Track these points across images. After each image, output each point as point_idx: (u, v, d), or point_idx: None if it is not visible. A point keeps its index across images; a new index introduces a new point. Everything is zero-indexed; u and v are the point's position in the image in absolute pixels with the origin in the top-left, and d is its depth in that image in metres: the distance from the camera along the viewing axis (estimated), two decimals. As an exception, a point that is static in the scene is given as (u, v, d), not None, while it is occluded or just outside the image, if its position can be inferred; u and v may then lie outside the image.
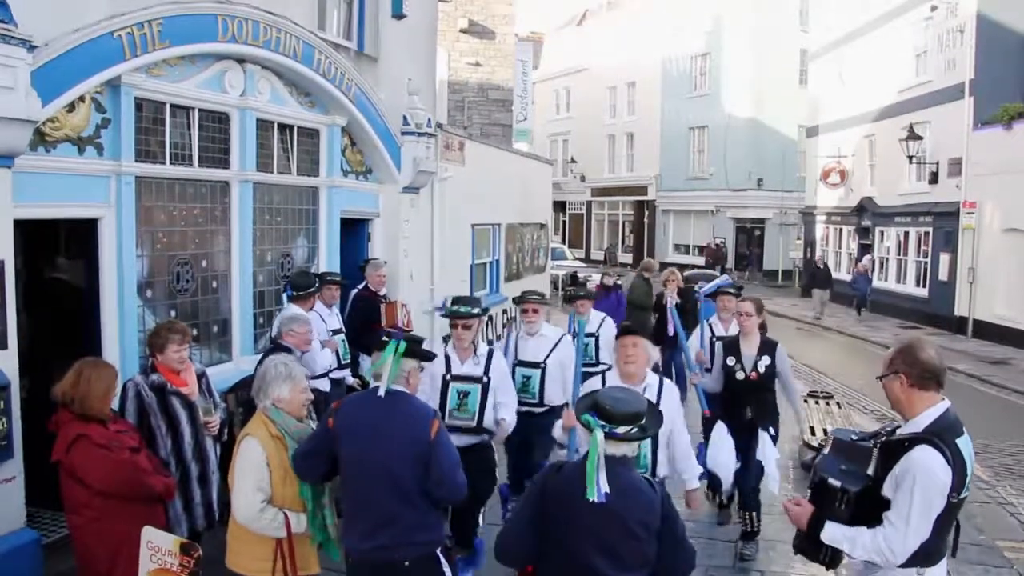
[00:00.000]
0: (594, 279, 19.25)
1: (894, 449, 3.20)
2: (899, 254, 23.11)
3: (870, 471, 3.28)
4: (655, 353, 4.81)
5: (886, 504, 3.16)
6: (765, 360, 6.30)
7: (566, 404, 6.45)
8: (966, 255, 19.30)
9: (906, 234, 22.62)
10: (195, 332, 7.01)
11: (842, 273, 25.58)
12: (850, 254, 26.30)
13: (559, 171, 41.20)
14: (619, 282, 12.45)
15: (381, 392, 3.75)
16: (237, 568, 3.88)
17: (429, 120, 10.61)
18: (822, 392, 11.21)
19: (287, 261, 8.59)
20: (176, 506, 4.73)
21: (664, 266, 12.67)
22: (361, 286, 8.69)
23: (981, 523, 7.26)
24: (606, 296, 11.47)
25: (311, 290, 7.09)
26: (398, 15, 10.35)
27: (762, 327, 6.69)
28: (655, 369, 4.92)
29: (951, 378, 12.29)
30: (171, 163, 6.89)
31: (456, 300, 5.80)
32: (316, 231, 9.08)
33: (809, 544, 3.35)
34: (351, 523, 3.78)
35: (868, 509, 3.21)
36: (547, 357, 6.51)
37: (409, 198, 10.69)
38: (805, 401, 10.21)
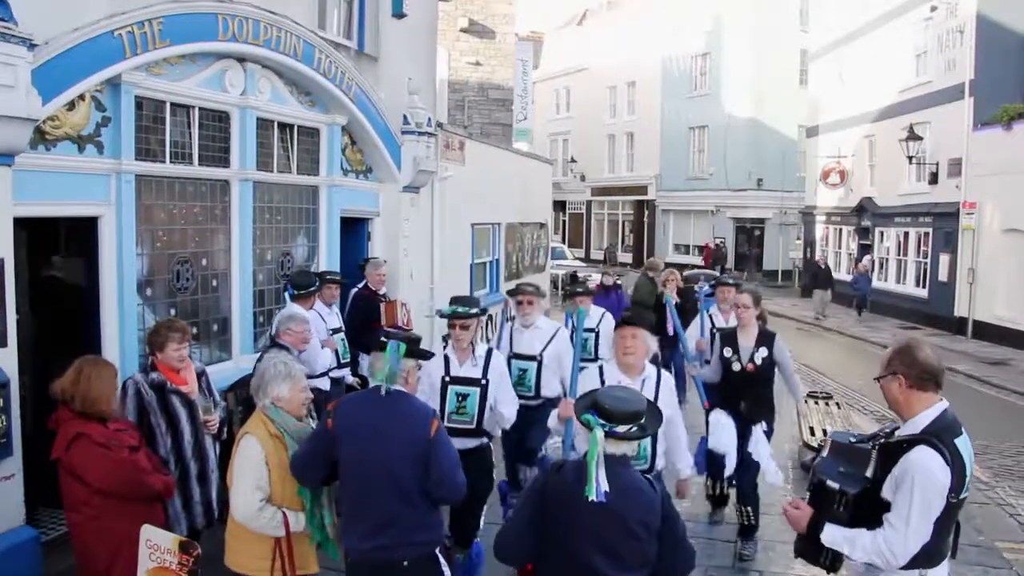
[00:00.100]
0: (594, 278, 19.23)
1: (893, 451, 3.20)
2: (899, 254, 23.12)
3: (868, 473, 3.28)
4: (654, 344, 4.75)
5: (886, 506, 3.16)
6: (762, 352, 6.29)
7: (563, 394, 6.47)
8: (966, 255, 19.30)
9: (906, 234, 22.63)
10: (195, 330, 7.00)
11: (842, 273, 25.58)
12: (850, 254, 26.30)
13: (559, 171, 41.21)
14: (619, 282, 12.44)
15: (384, 392, 3.75)
16: (236, 567, 3.88)
17: (429, 119, 10.61)
18: (822, 392, 11.20)
19: (287, 260, 8.59)
20: (175, 504, 4.74)
21: (665, 266, 12.68)
22: (361, 285, 8.69)
23: (980, 524, 7.26)
24: (606, 296, 11.45)
25: (312, 289, 7.09)
26: (398, 14, 10.35)
27: (762, 318, 6.67)
28: (653, 361, 4.89)
29: (951, 379, 12.30)
30: (171, 162, 6.88)
31: (454, 300, 5.73)
32: (316, 230, 9.08)
33: (809, 547, 3.35)
34: (351, 523, 3.77)
35: (867, 511, 3.21)
36: (543, 350, 6.46)
37: (409, 197, 10.69)
38: (805, 402, 10.21)
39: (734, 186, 35.40)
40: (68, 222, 6.40)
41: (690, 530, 3.84)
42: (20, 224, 5.64)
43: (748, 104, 34.84)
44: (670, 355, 10.11)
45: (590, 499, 3.00)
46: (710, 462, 6.46)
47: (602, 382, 4.59)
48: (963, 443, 3.17)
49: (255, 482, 3.76)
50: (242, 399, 6.04)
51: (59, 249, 6.85)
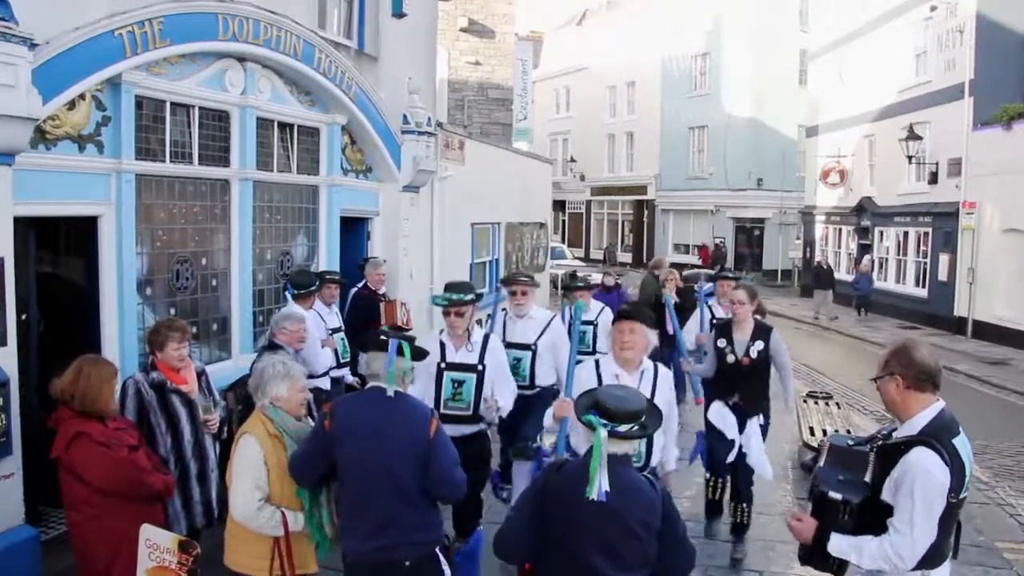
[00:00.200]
0: (594, 278, 19.24)
1: (891, 453, 3.20)
2: (898, 254, 23.12)
3: (867, 477, 3.27)
4: (654, 338, 4.62)
5: (887, 508, 3.16)
6: (758, 345, 6.22)
7: (557, 390, 6.43)
8: (965, 255, 19.30)
9: (905, 234, 22.63)
10: (195, 330, 6.99)
11: (841, 273, 25.58)
12: (849, 254, 26.31)
13: (559, 170, 41.20)
14: (620, 281, 12.45)
15: (390, 392, 3.75)
16: (235, 566, 3.88)
17: (429, 119, 10.62)
18: (821, 392, 11.20)
19: (287, 259, 8.60)
20: (175, 504, 4.74)
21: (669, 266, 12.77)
22: (360, 285, 8.69)
23: (980, 524, 7.26)
24: (606, 296, 11.45)
25: (312, 288, 7.09)
26: (398, 14, 10.36)
27: (760, 312, 6.64)
28: (653, 356, 4.80)
29: (951, 379, 12.29)
30: (171, 161, 6.89)
31: (448, 287, 5.60)
32: (316, 229, 9.09)
33: (817, 556, 3.34)
34: (350, 524, 3.76)
35: (870, 516, 3.21)
36: (538, 339, 6.35)
37: (409, 197, 10.69)
38: (804, 401, 10.21)
39: (734, 186, 35.41)
40: (68, 221, 6.40)
41: (690, 530, 3.84)
42: (28, 223, 5.67)
43: (748, 104, 34.85)
44: (669, 354, 10.11)
45: (591, 499, 3.00)
46: (710, 456, 6.41)
47: (598, 376, 4.52)
48: (961, 443, 3.17)
49: (254, 482, 3.76)
50: (242, 398, 6.04)
51: (59, 248, 6.85)
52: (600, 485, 2.99)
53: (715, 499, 6.65)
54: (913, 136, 20.52)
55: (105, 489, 4.08)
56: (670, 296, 8.27)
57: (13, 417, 5.09)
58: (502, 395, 5.46)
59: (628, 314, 4.55)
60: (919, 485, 3.04)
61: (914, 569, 3.13)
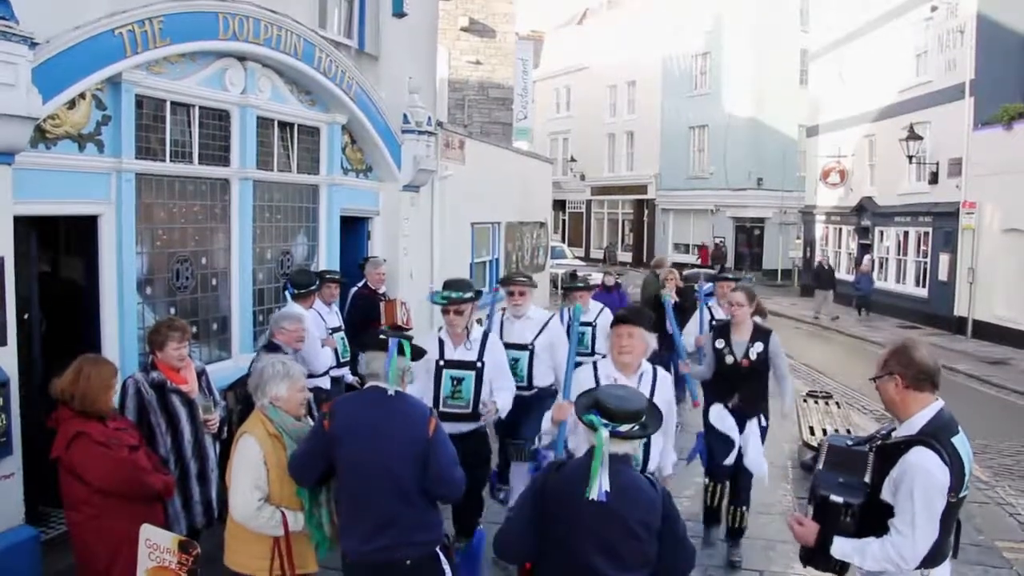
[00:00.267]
0: (594, 278, 19.24)
1: (890, 452, 3.20)
2: (899, 254, 23.12)
3: (867, 478, 3.27)
4: (653, 342, 4.56)
5: (887, 508, 3.16)
6: (758, 347, 6.16)
7: (555, 391, 6.39)
8: (966, 255, 19.30)
9: (906, 234, 22.63)
10: (195, 329, 7.00)
11: (841, 273, 25.58)
12: (849, 254, 26.31)
13: (559, 170, 41.19)
14: (620, 281, 12.45)
15: (391, 392, 3.75)
16: (235, 566, 3.88)
17: (429, 118, 10.62)
18: (821, 392, 11.20)
19: (287, 259, 8.60)
20: (175, 504, 4.74)
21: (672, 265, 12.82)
22: (360, 284, 8.69)
23: (980, 523, 7.26)
24: (607, 297, 11.44)
25: (312, 288, 7.09)
26: (399, 13, 10.35)
27: (759, 312, 6.59)
28: (652, 359, 4.76)
29: (951, 378, 12.29)
30: (171, 160, 6.89)
31: (447, 284, 5.55)
32: (316, 229, 9.09)
33: (819, 557, 3.34)
34: (350, 524, 3.75)
35: (872, 516, 3.21)
36: (535, 339, 6.27)
37: (409, 196, 10.69)
38: (804, 401, 10.21)
39: (734, 185, 35.41)
40: (68, 221, 6.39)
41: (690, 529, 3.84)
42: (29, 223, 5.67)
43: (748, 103, 34.85)
44: (668, 356, 10.08)
45: (591, 499, 3.00)
46: (710, 460, 6.33)
47: (596, 380, 4.49)
48: (960, 442, 3.17)
49: (253, 481, 3.76)
50: (241, 398, 6.04)
51: (59, 248, 6.85)
52: (601, 486, 2.99)
53: (714, 506, 6.52)
54: (913, 136, 20.52)
55: (105, 489, 4.08)
56: (668, 297, 8.21)
57: (13, 417, 5.09)
58: (501, 393, 5.44)
59: (626, 318, 4.49)
60: (919, 485, 3.04)
61: (915, 568, 3.13)
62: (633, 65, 40.04)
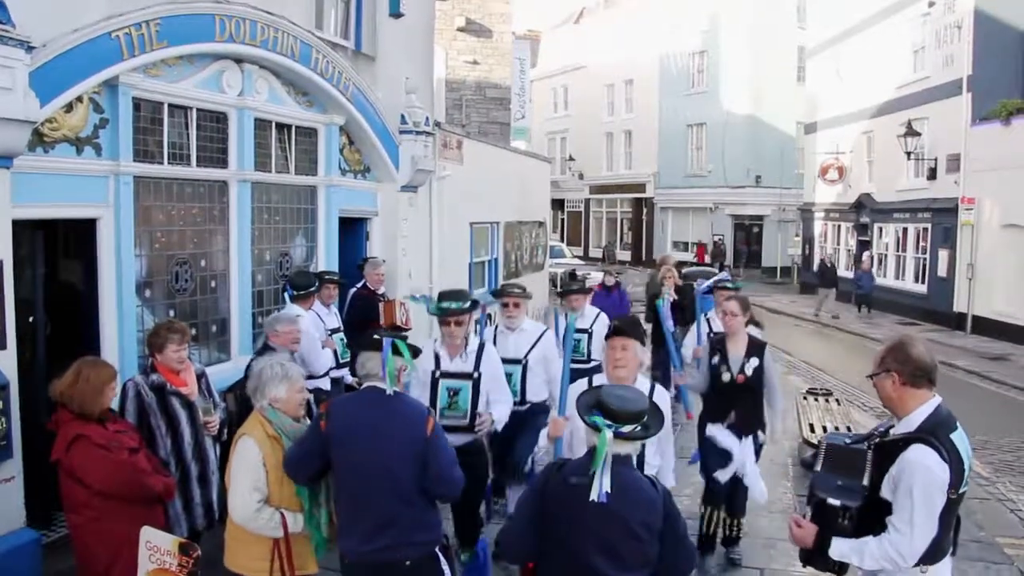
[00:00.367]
0: (593, 276, 19.25)
1: (889, 450, 3.20)
2: (898, 250, 23.13)
3: (865, 479, 3.26)
4: (646, 357, 4.46)
5: (886, 506, 3.17)
6: (753, 362, 6.00)
7: (549, 406, 6.32)
8: (965, 251, 19.31)
9: (904, 230, 22.64)
10: (194, 332, 7.02)
11: (840, 270, 25.58)
12: (848, 251, 26.31)
13: (557, 169, 41.20)
14: (619, 280, 12.45)
15: (389, 392, 3.74)
16: (235, 568, 3.88)
17: (427, 119, 10.62)
18: (821, 389, 11.20)
19: (286, 260, 8.60)
20: (176, 506, 4.74)
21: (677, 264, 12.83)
22: (359, 285, 8.69)
23: (981, 519, 7.27)
24: (607, 296, 11.45)
25: (311, 289, 7.09)
26: (395, 14, 10.35)
27: (752, 322, 6.48)
28: (654, 376, 4.66)
29: (951, 374, 12.27)
30: (169, 163, 6.89)
31: (444, 296, 5.47)
32: (314, 230, 9.08)
33: (818, 558, 3.34)
34: (349, 525, 3.76)
35: (870, 516, 3.21)
36: (528, 353, 6.19)
37: (407, 197, 10.69)
38: (804, 398, 10.22)
39: (732, 183, 35.41)
40: (67, 224, 6.39)
41: (690, 528, 3.84)
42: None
43: (746, 101, 34.86)
44: (667, 355, 10.02)
45: (591, 499, 2.99)
46: (707, 483, 6.15)
47: None
48: (959, 438, 3.17)
49: (252, 483, 3.76)
50: (241, 400, 6.05)
51: (58, 251, 6.85)
52: (602, 486, 2.99)
53: (710, 533, 6.21)
54: (911, 132, 20.53)
55: (105, 491, 4.08)
56: (662, 302, 8.09)
57: (14, 421, 5.09)
58: (498, 403, 5.38)
59: (620, 331, 4.36)
60: (918, 482, 3.05)
61: (915, 565, 3.14)
62: (630, 64, 40.03)
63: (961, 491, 3.15)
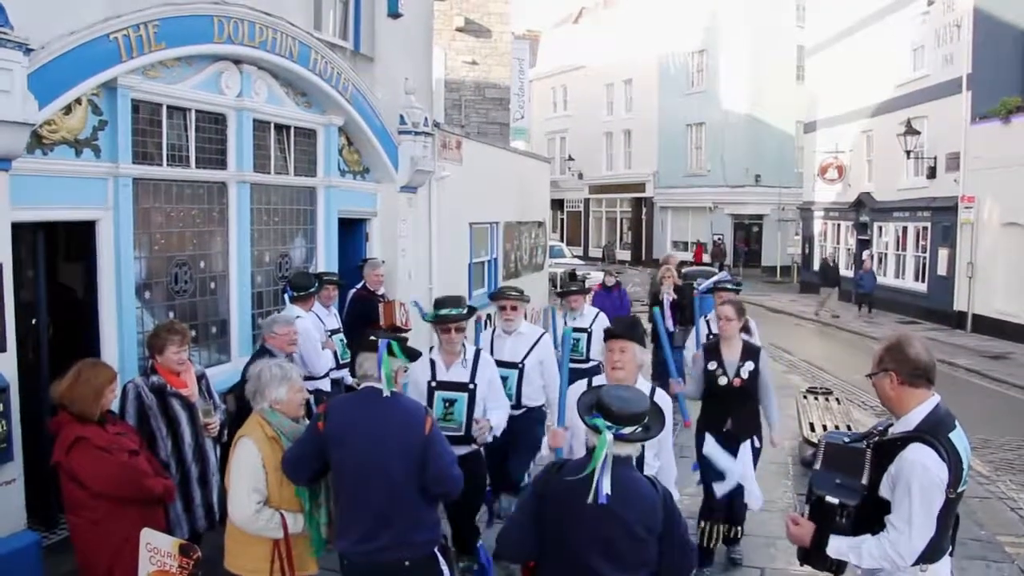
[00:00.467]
0: (593, 276, 19.24)
1: (888, 449, 3.20)
2: (897, 249, 23.13)
3: (864, 478, 3.26)
4: (645, 358, 4.41)
5: (885, 504, 3.16)
6: (749, 366, 5.98)
7: (545, 411, 6.27)
8: (965, 250, 19.30)
9: (904, 229, 22.64)
10: (194, 333, 7.01)
11: (840, 269, 25.57)
12: (848, 250, 26.31)
13: (557, 169, 41.21)
14: (619, 280, 12.45)
15: (386, 393, 3.74)
16: (235, 569, 3.88)
17: (426, 119, 10.61)
18: (821, 388, 11.20)
19: (285, 261, 8.59)
20: (176, 507, 4.74)
21: (681, 263, 12.80)
22: (359, 286, 8.69)
23: (982, 518, 7.27)
24: (607, 296, 11.45)
25: (311, 290, 7.09)
26: (394, 14, 10.35)
27: (745, 329, 6.40)
28: (656, 380, 4.61)
29: (952, 373, 12.26)
30: (168, 165, 6.88)
31: (440, 303, 5.35)
32: (314, 231, 9.08)
33: (815, 556, 3.34)
34: (348, 525, 3.76)
35: (868, 514, 3.21)
36: (525, 357, 6.11)
37: (407, 197, 10.69)
38: (804, 397, 10.22)
39: (732, 182, 35.43)
40: (66, 226, 6.39)
41: (690, 528, 3.83)
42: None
43: (745, 100, 34.88)
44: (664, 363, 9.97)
45: (589, 500, 2.99)
46: (706, 498, 6.10)
47: None
48: (958, 437, 3.17)
49: (252, 485, 3.76)
50: (241, 401, 6.04)
51: (58, 253, 6.85)
52: (601, 488, 2.98)
53: (709, 547, 6.11)
54: (911, 131, 20.53)
55: (105, 493, 4.08)
56: (658, 310, 8.03)
57: (14, 423, 5.09)
58: (495, 410, 5.33)
59: (617, 333, 4.31)
60: (917, 481, 3.04)
61: (913, 564, 3.14)
62: (629, 63, 40.04)
63: (960, 490, 3.14)
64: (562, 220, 46.89)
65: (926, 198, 20.83)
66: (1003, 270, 18.02)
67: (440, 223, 11.91)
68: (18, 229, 5.39)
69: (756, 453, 6.13)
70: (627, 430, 3.11)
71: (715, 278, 8.98)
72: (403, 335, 4.16)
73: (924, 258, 21.56)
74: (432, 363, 5.25)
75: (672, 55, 37.93)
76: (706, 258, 33.79)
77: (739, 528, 6.25)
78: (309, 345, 6.68)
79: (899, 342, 3.28)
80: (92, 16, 5.73)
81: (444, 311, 5.26)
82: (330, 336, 7.38)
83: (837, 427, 8.50)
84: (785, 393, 11.14)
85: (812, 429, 8.73)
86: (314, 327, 6.95)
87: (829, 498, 3.28)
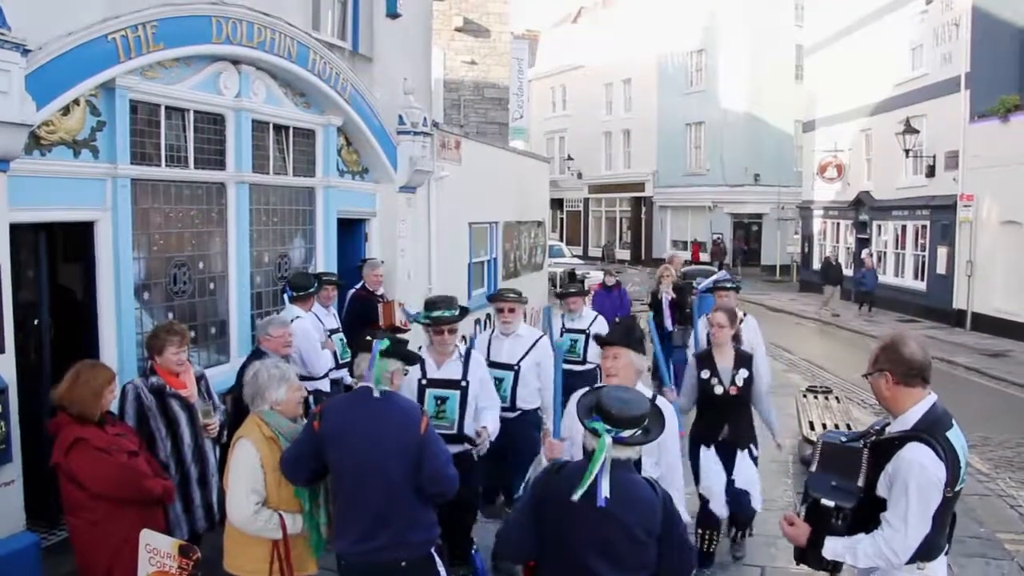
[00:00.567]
0: (592, 276, 19.23)
1: (885, 448, 3.20)
2: (897, 248, 23.14)
3: (861, 479, 3.26)
4: (643, 363, 4.35)
5: (882, 503, 3.16)
6: (743, 373, 5.92)
7: (540, 415, 6.24)
8: (964, 248, 19.32)
9: (903, 228, 22.65)
10: (193, 334, 7.00)
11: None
12: (848, 248, 26.32)
13: (556, 168, 41.19)
14: (619, 280, 12.45)
15: (376, 394, 3.74)
16: (234, 570, 3.88)
17: (425, 119, 10.60)
18: (821, 387, 11.20)
19: (284, 262, 8.59)
20: (176, 508, 4.75)
21: (662, 262, 12.76)
22: (358, 286, 8.69)
23: (981, 515, 7.28)
24: (607, 296, 11.45)
25: (311, 291, 7.08)
26: (392, 14, 10.34)
27: (736, 339, 6.29)
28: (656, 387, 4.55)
29: (951, 371, 12.26)
30: (167, 165, 6.87)
31: (432, 304, 5.32)
32: (313, 231, 9.08)
33: (811, 556, 3.34)
34: (345, 526, 3.76)
35: (865, 514, 3.21)
36: (521, 359, 6.09)
37: (406, 197, 10.69)
38: (804, 395, 10.22)
39: (731, 182, 35.44)
40: (64, 227, 6.39)
41: (689, 527, 3.83)
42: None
43: (744, 100, 34.90)
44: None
45: (579, 500, 2.98)
46: (703, 510, 5.99)
47: None
48: (955, 435, 3.17)
49: (250, 485, 3.76)
50: (238, 402, 6.04)
51: (56, 254, 6.85)
52: (600, 490, 2.96)
53: (708, 551, 6.05)
54: (910, 130, 20.54)
55: (104, 494, 4.08)
56: (651, 316, 7.97)
57: (13, 425, 5.09)
58: (487, 410, 5.30)
59: (609, 340, 4.24)
60: (914, 480, 3.05)
61: (911, 562, 3.14)
62: (628, 63, 40.05)
63: (957, 488, 3.15)
64: (561, 220, 46.89)
65: (925, 197, 20.84)
66: (1002, 268, 18.03)
67: (439, 223, 11.90)
68: (19, 230, 5.39)
69: (755, 460, 6.10)
70: (626, 433, 3.09)
71: (714, 277, 8.96)
72: (403, 335, 4.15)
73: (923, 257, 21.58)
74: (422, 361, 5.19)
75: (671, 55, 37.94)
76: (704, 257, 33.80)
77: (744, 531, 6.25)
78: (309, 345, 6.68)
79: (894, 342, 3.28)
80: (90, 17, 5.73)
81: (437, 313, 5.22)
82: (329, 336, 7.37)
83: (837, 426, 8.51)
84: (785, 392, 11.17)
85: (812, 428, 8.74)
86: (313, 327, 6.95)
87: (825, 501, 3.28)
